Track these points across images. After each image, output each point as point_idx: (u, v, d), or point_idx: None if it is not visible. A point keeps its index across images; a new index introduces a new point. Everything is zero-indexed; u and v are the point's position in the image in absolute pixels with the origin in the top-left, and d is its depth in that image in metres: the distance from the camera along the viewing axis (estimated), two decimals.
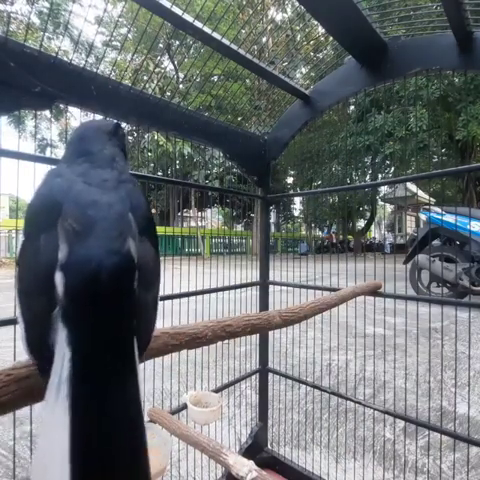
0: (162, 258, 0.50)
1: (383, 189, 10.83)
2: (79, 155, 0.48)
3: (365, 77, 1.24)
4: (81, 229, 0.36)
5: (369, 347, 2.90)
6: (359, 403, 1.32)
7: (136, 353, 0.36)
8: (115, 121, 0.57)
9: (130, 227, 0.39)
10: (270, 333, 1.31)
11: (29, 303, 0.36)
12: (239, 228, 23.53)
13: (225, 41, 1.03)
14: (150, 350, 0.53)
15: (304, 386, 1.61)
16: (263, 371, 1.59)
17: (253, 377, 1.61)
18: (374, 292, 1.24)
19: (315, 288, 1.43)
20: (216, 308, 1.50)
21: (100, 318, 0.34)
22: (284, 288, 1.57)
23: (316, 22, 1.06)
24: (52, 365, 0.32)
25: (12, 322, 0.81)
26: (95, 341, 0.33)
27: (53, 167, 0.49)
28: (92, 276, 0.34)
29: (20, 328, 0.36)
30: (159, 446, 0.93)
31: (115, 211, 0.40)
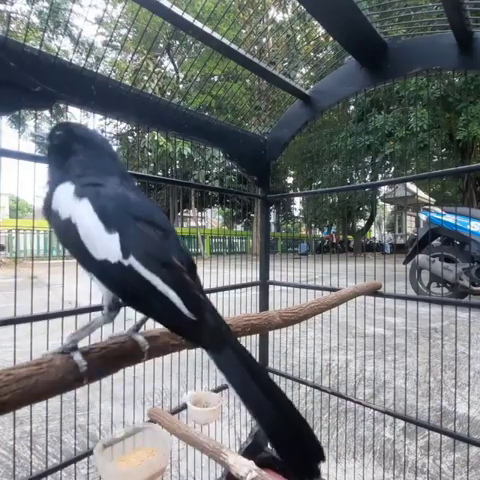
0: None
1: (383, 189, 10.84)
2: (85, 168, 0.56)
3: (365, 77, 1.24)
4: (160, 231, 0.51)
5: (369, 347, 2.90)
6: (359, 403, 1.32)
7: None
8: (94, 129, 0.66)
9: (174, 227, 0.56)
10: (270, 333, 1.31)
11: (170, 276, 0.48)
12: (239, 228, 23.55)
13: (225, 41, 1.03)
14: (150, 350, 0.53)
15: (304, 386, 1.60)
16: None
17: None
18: (374, 292, 1.24)
19: (315, 288, 1.43)
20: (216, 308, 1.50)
21: (189, 286, 0.49)
22: (284, 288, 1.56)
23: (316, 22, 1.06)
24: (202, 319, 0.47)
25: (12, 322, 0.81)
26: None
27: (77, 180, 0.54)
28: (184, 264, 0.50)
29: (165, 297, 0.46)
30: (159, 446, 0.93)
31: (163, 214, 0.56)
